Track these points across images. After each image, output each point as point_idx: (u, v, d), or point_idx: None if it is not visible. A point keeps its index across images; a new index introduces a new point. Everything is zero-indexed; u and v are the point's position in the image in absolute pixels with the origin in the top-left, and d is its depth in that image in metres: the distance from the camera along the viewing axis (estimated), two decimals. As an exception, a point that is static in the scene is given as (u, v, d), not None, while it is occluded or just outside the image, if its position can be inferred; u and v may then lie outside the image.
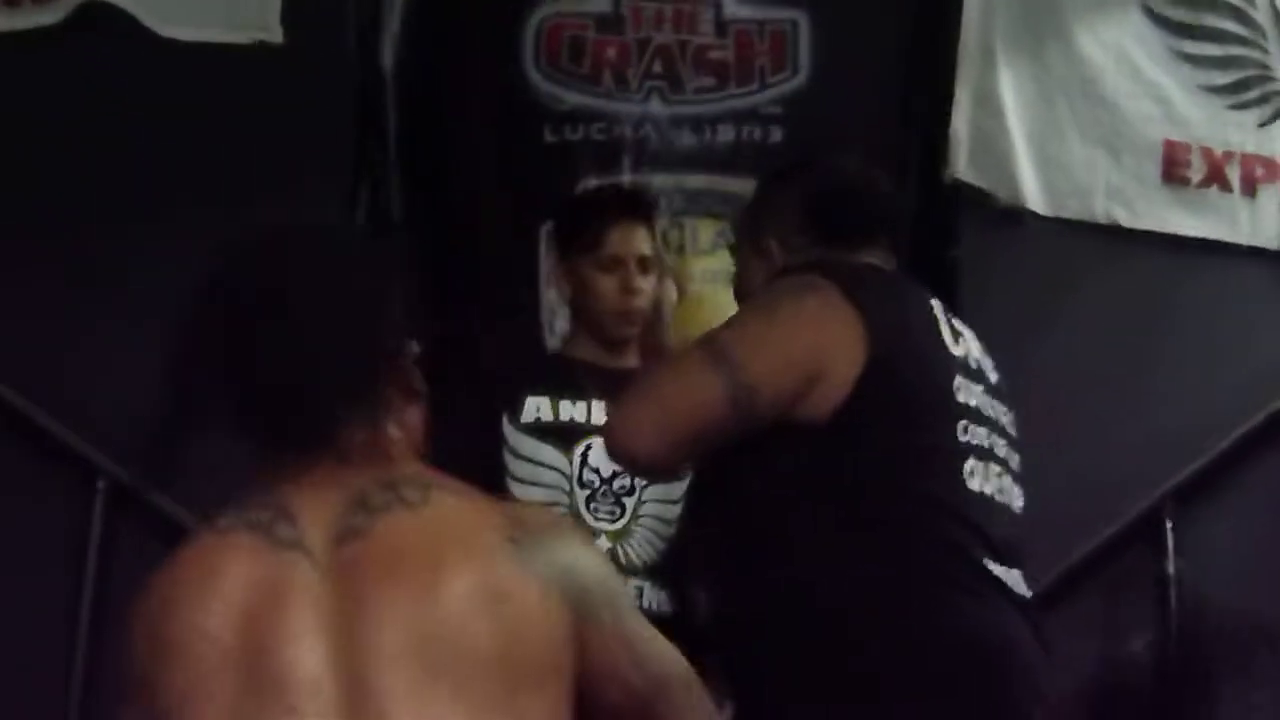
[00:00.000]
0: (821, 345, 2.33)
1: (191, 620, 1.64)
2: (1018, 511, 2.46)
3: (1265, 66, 4.07)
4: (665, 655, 1.82)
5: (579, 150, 4.04)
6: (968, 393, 2.42)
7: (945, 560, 2.31)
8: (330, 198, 3.77)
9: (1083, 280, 3.97)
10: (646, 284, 3.13)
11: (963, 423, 2.39)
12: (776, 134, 4.06)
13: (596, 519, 3.01)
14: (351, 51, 3.91)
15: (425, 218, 3.94)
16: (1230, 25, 4.06)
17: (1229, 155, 4.03)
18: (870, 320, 2.34)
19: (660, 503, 3.02)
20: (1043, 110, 4.00)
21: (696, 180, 4.06)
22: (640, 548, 3.02)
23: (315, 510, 1.69)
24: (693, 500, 2.94)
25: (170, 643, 1.64)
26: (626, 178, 4.00)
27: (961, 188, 3.96)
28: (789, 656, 2.30)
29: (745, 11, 4.11)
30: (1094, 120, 4.01)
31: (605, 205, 3.25)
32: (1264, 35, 4.08)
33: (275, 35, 3.82)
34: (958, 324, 2.52)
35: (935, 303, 2.52)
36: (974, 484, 2.36)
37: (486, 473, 2.89)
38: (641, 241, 3.14)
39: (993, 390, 2.49)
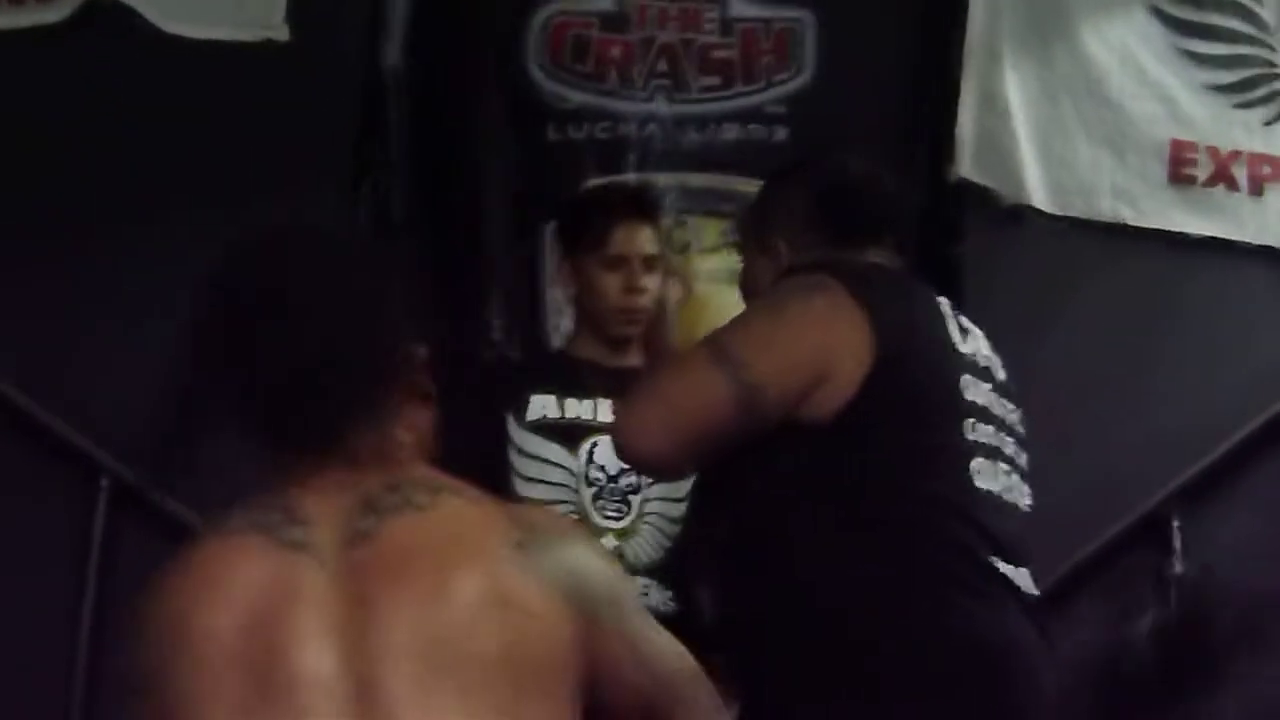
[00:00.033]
0: (829, 345, 2.33)
1: (201, 622, 1.64)
2: (1025, 510, 2.46)
3: (1271, 65, 4.06)
4: (672, 655, 1.82)
5: (583, 149, 4.04)
6: (975, 391, 2.42)
7: (951, 560, 2.31)
8: (334, 197, 3.76)
9: (1087, 280, 3.97)
10: (651, 283, 3.13)
11: (970, 421, 2.38)
12: (781, 133, 4.06)
13: (603, 517, 3.00)
14: (356, 50, 3.91)
15: (428, 216, 3.94)
16: (1236, 24, 4.05)
17: (1235, 154, 4.03)
18: (877, 320, 2.34)
19: (666, 501, 3.02)
20: (1048, 109, 4.00)
21: (701, 179, 4.06)
22: (646, 546, 3.01)
23: (323, 513, 1.70)
24: (697, 499, 2.94)
25: (180, 644, 1.64)
26: (631, 177, 3.99)
27: (966, 186, 3.96)
28: (794, 656, 2.30)
29: (750, 10, 4.11)
30: (1099, 119, 4.00)
31: (610, 204, 3.25)
32: (1270, 34, 4.07)
33: (280, 33, 3.81)
34: (965, 322, 2.52)
35: (943, 301, 2.52)
36: (981, 482, 2.36)
37: (492, 471, 2.89)
38: (646, 240, 3.14)
39: (1000, 388, 2.48)
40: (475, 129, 4.02)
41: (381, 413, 1.76)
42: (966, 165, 3.96)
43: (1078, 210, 3.99)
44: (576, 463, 3.03)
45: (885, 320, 2.35)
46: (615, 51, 4.08)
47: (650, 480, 2.97)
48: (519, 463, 3.03)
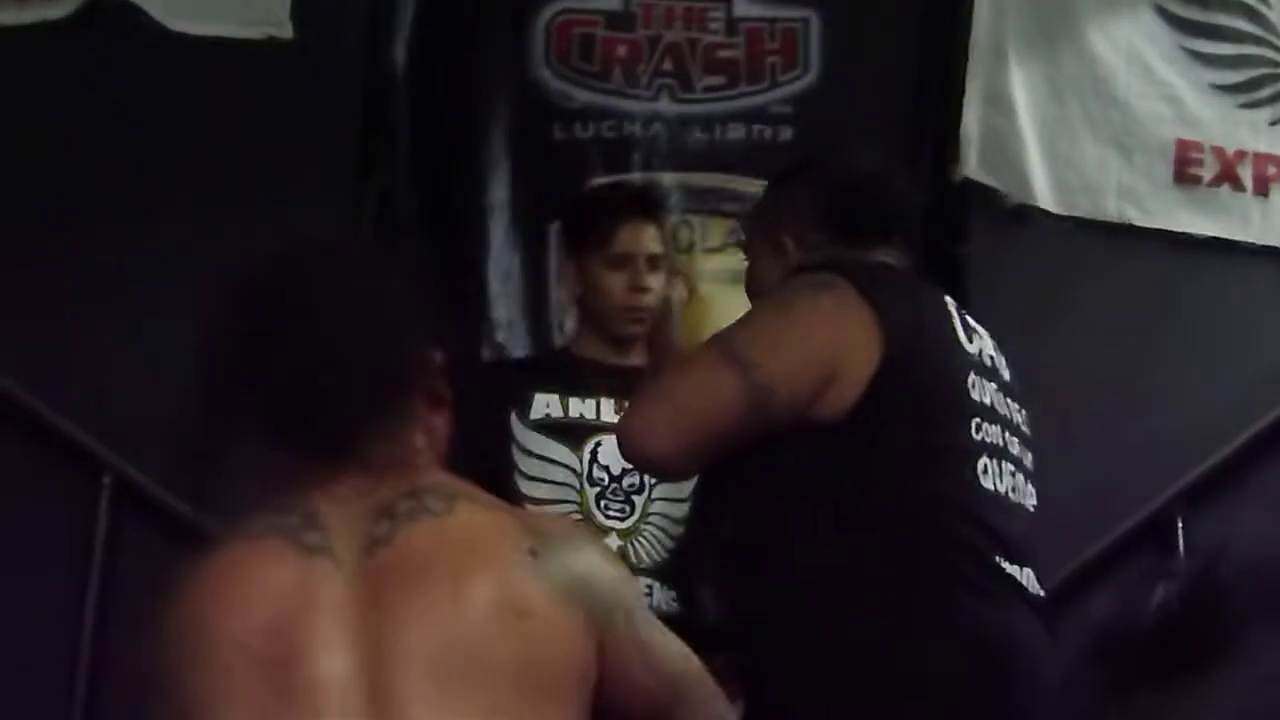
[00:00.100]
0: (837, 344, 2.32)
1: (221, 624, 1.67)
2: (1031, 510, 2.45)
3: (1277, 65, 4.07)
4: (678, 658, 1.85)
5: (588, 148, 4.04)
6: (981, 391, 2.41)
7: (957, 560, 2.30)
8: (337, 195, 3.76)
9: (1092, 279, 3.97)
10: (655, 282, 3.12)
11: (976, 421, 2.38)
12: (786, 133, 4.06)
13: (606, 517, 3.00)
14: (360, 48, 3.90)
15: (432, 214, 3.94)
16: (1243, 24, 4.06)
17: (1241, 154, 4.03)
18: (885, 319, 2.33)
19: (669, 501, 3.01)
20: (1054, 109, 4.00)
21: (705, 179, 4.06)
22: (649, 546, 3.01)
23: (341, 518, 1.73)
24: (701, 499, 2.94)
25: (200, 646, 1.67)
26: (636, 176, 3.99)
27: (971, 186, 3.96)
28: (797, 656, 2.29)
29: (756, 10, 4.11)
30: (1105, 119, 4.01)
31: (615, 202, 3.24)
32: (1276, 34, 4.07)
33: (285, 31, 3.81)
34: (971, 321, 2.51)
35: (949, 300, 2.52)
36: (987, 482, 2.36)
37: (496, 470, 2.89)
38: (651, 239, 3.13)
39: (1006, 388, 2.48)
40: (480, 127, 4.02)
41: (398, 419, 1.79)
42: (971, 165, 3.96)
43: (1083, 210, 4.00)
44: (580, 462, 3.02)
45: (893, 320, 2.34)
46: (621, 50, 4.08)
47: (654, 480, 2.97)
48: (522, 462, 3.03)
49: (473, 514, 1.76)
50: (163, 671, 1.69)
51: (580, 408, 3.06)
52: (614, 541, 2.95)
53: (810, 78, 4.08)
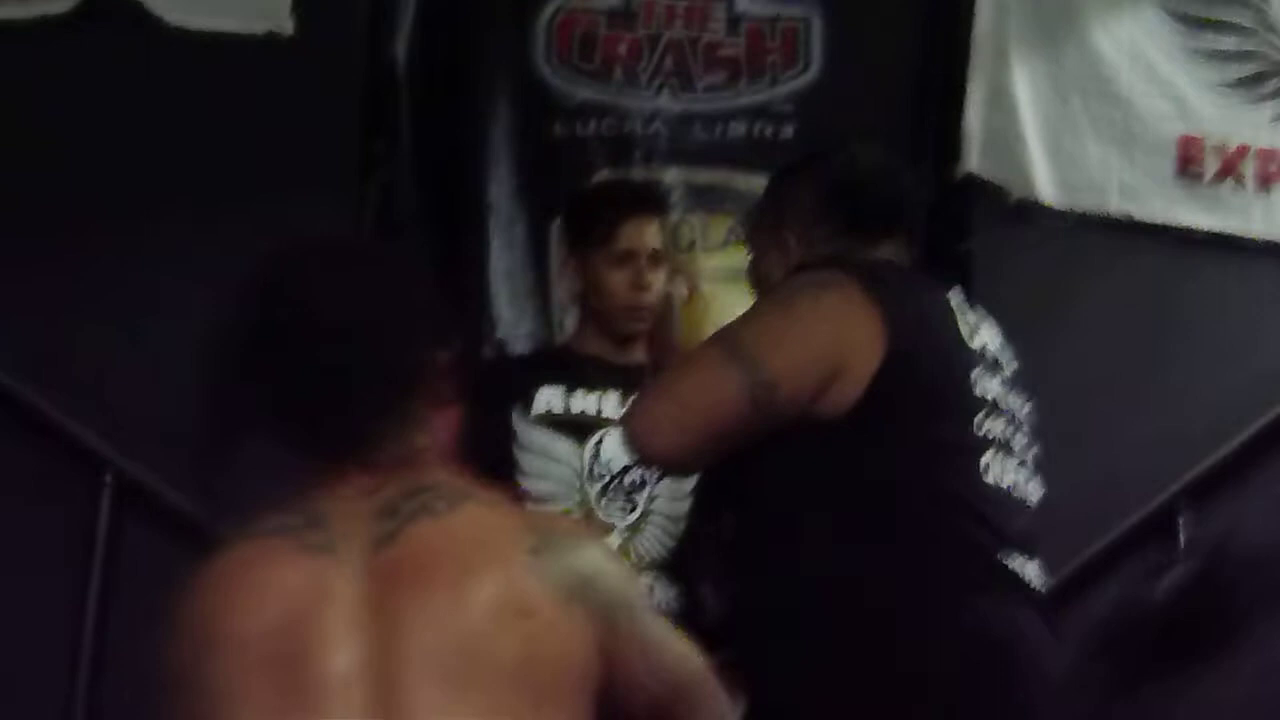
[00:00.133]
0: (840, 341, 2.32)
1: (231, 623, 1.68)
2: (1035, 504, 2.45)
3: (1279, 61, 4.06)
4: (681, 656, 1.85)
5: (589, 145, 4.04)
6: (985, 385, 2.41)
7: (961, 556, 2.30)
8: (338, 191, 3.76)
9: (1095, 276, 3.97)
10: (657, 279, 3.12)
11: (980, 415, 2.38)
12: (788, 130, 4.05)
13: (608, 513, 3.00)
14: (361, 44, 3.90)
15: (434, 211, 3.93)
16: (1245, 20, 4.05)
17: (1243, 151, 4.03)
18: (888, 316, 2.33)
19: (671, 498, 3.01)
20: (1056, 106, 3.99)
21: (707, 176, 4.06)
22: (651, 543, 3.01)
23: (347, 518, 1.74)
24: (703, 496, 2.93)
25: (210, 645, 1.67)
26: (637, 173, 3.99)
27: (974, 183, 3.95)
28: (800, 653, 2.29)
29: (757, 8, 4.11)
30: (1107, 116, 4.00)
31: (617, 199, 3.24)
32: (1278, 30, 4.06)
33: (285, 26, 3.81)
34: (975, 315, 2.51)
35: (953, 294, 2.51)
36: (990, 478, 2.36)
37: (498, 467, 2.88)
38: (653, 236, 3.13)
39: (1010, 382, 2.48)
40: (481, 124, 4.01)
41: (403, 419, 1.80)
42: (974, 161, 3.96)
43: (1086, 206, 3.99)
44: (582, 458, 3.02)
45: (896, 316, 2.34)
46: (622, 48, 4.08)
47: (656, 477, 2.97)
48: (524, 457, 3.03)
49: (476, 513, 1.76)
50: (171, 672, 1.70)
51: (582, 404, 3.06)
52: (615, 538, 2.95)
53: (811, 75, 4.08)
